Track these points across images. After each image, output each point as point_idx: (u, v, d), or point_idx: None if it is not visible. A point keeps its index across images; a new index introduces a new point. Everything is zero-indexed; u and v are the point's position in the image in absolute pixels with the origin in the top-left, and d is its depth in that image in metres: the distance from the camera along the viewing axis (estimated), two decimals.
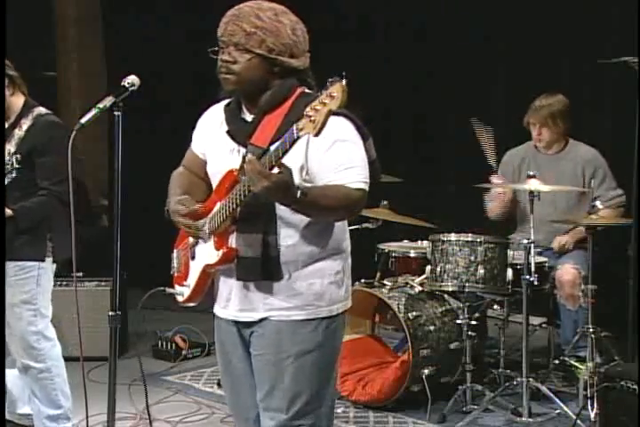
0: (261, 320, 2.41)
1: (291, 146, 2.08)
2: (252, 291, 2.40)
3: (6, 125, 3.46)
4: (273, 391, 2.41)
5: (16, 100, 3.47)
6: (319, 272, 2.38)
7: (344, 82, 1.99)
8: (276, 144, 2.13)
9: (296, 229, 2.34)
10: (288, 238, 2.34)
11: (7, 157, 3.31)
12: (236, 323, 2.47)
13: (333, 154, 2.27)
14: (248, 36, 2.30)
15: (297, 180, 2.22)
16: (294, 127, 2.04)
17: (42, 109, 3.50)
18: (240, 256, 2.34)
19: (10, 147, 3.37)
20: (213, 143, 2.48)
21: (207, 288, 2.51)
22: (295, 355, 2.38)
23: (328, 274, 2.40)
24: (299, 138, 2.05)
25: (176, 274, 2.60)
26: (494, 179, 4.64)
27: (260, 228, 2.32)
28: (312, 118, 1.99)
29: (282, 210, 2.29)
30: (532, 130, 4.68)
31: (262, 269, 2.33)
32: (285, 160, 2.15)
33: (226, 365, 2.56)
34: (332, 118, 2.21)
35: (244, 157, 2.27)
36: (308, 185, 2.27)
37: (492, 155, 4.29)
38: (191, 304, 2.56)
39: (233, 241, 2.35)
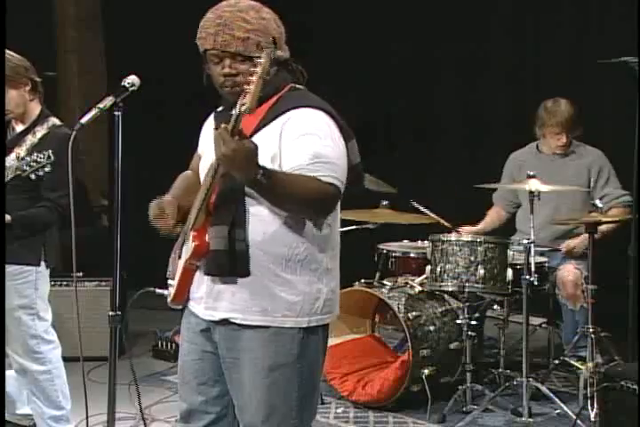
0: (224, 322, 2.31)
1: (237, 119, 2.05)
2: (218, 287, 2.30)
3: (19, 129, 3.43)
4: (246, 405, 2.33)
5: (34, 107, 3.44)
6: (292, 282, 2.27)
7: (268, 50, 2.09)
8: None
9: (267, 226, 2.25)
10: (257, 235, 2.24)
11: (15, 162, 3.25)
12: (205, 321, 2.38)
13: (303, 144, 2.20)
14: (244, 42, 2.21)
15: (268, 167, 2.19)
16: (239, 102, 2.04)
17: (56, 120, 3.47)
18: (210, 249, 2.27)
19: (20, 151, 3.32)
20: (207, 144, 2.45)
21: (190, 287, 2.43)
22: (269, 368, 2.27)
23: (302, 285, 2.28)
24: (241, 112, 2.03)
25: (170, 276, 2.52)
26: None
27: (228, 220, 2.23)
28: (247, 91, 2.02)
29: (253, 204, 2.24)
30: (550, 136, 4.59)
31: (228, 263, 2.23)
32: (260, 149, 2.12)
33: (184, 353, 2.50)
34: (311, 111, 2.25)
35: None
36: (277, 169, 2.19)
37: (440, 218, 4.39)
38: (178, 306, 2.48)
39: (207, 235, 2.29)
